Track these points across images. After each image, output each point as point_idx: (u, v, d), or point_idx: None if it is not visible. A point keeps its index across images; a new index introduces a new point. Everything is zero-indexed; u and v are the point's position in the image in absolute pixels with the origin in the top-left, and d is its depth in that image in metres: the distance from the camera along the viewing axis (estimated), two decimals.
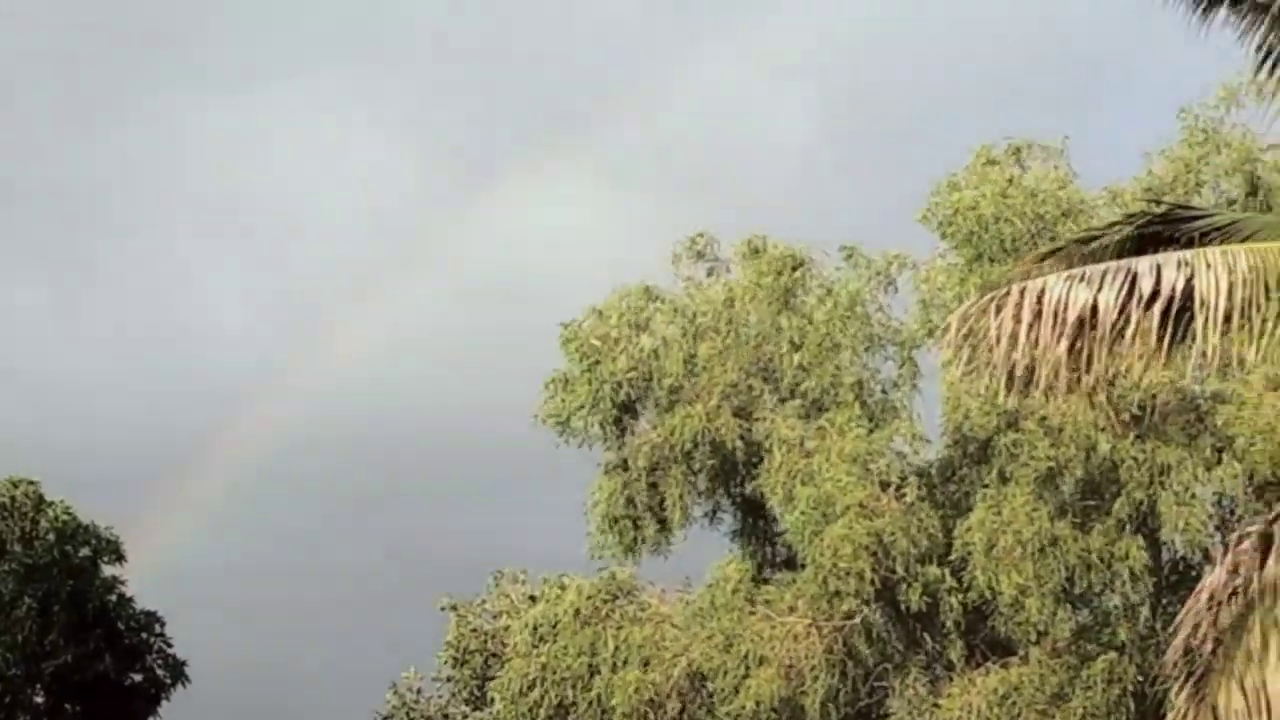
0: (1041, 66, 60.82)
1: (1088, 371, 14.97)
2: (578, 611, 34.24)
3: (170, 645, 39.22)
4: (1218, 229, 15.34)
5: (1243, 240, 15.04)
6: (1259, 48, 16.04)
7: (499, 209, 56.70)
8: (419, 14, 68.60)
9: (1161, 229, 15.47)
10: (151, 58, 68.24)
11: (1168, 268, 14.61)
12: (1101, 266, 14.82)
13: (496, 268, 56.94)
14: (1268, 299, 14.34)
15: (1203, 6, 16.01)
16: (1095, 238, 15.51)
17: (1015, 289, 14.74)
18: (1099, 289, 14.37)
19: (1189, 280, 14.42)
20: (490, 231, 56.22)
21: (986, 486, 32.38)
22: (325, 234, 67.36)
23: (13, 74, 66.60)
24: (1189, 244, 15.13)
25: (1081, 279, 14.57)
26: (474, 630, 42.80)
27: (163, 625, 39.11)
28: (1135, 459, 31.81)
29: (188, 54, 68.18)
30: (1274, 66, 16.11)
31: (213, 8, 68.75)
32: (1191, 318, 14.57)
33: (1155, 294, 14.34)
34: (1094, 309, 14.34)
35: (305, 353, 55.24)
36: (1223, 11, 16.00)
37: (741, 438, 33.02)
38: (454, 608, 43.22)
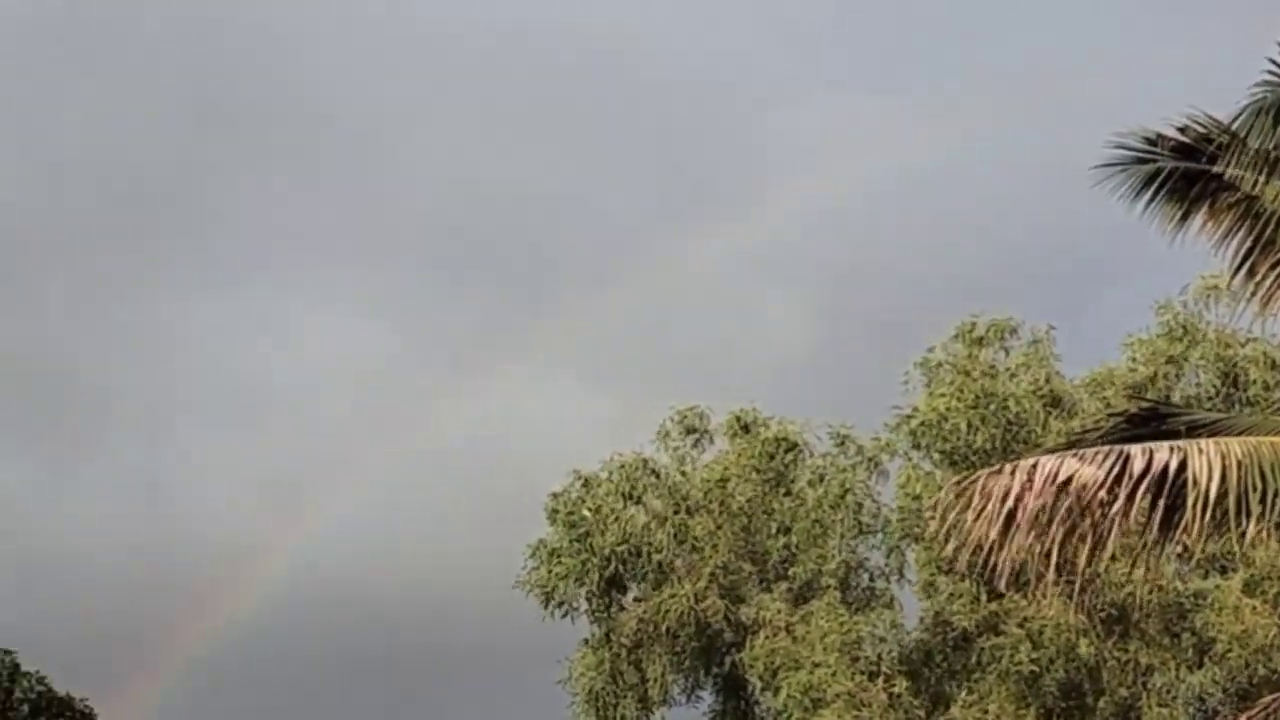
0: (1025, 262, 61.65)
1: (1080, 556, 15.13)
2: None
3: None
4: (1205, 425, 15.58)
5: (1234, 434, 15.31)
6: (1236, 251, 16.49)
7: (487, 396, 57.21)
8: (412, 206, 69.80)
9: (1147, 426, 15.70)
10: (154, 250, 69.53)
11: (1160, 451, 14.83)
12: (1094, 449, 15.05)
13: (482, 452, 57.30)
14: (1262, 483, 14.50)
15: (1180, 214, 16.48)
16: (1080, 439, 15.75)
17: (1008, 466, 14.94)
18: (1090, 464, 14.58)
19: (1182, 462, 14.62)
20: (477, 417, 56.68)
21: (969, 678, 32.43)
22: (316, 418, 67.93)
23: (22, 260, 67.93)
24: (1176, 436, 15.35)
25: (1074, 456, 14.81)
26: None
27: None
28: (1117, 659, 32.00)
29: (190, 247, 69.55)
30: (1251, 269, 16.55)
31: (217, 203, 70.08)
32: (1181, 506, 14.70)
33: (1146, 472, 14.53)
34: (1085, 484, 14.51)
35: (289, 532, 55.41)
36: (1199, 219, 16.47)
37: (727, 618, 33.17)
38: None
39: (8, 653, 36.87)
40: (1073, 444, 15.67)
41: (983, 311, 34.47)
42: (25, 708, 36.42)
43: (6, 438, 66.50)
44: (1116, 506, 14.53)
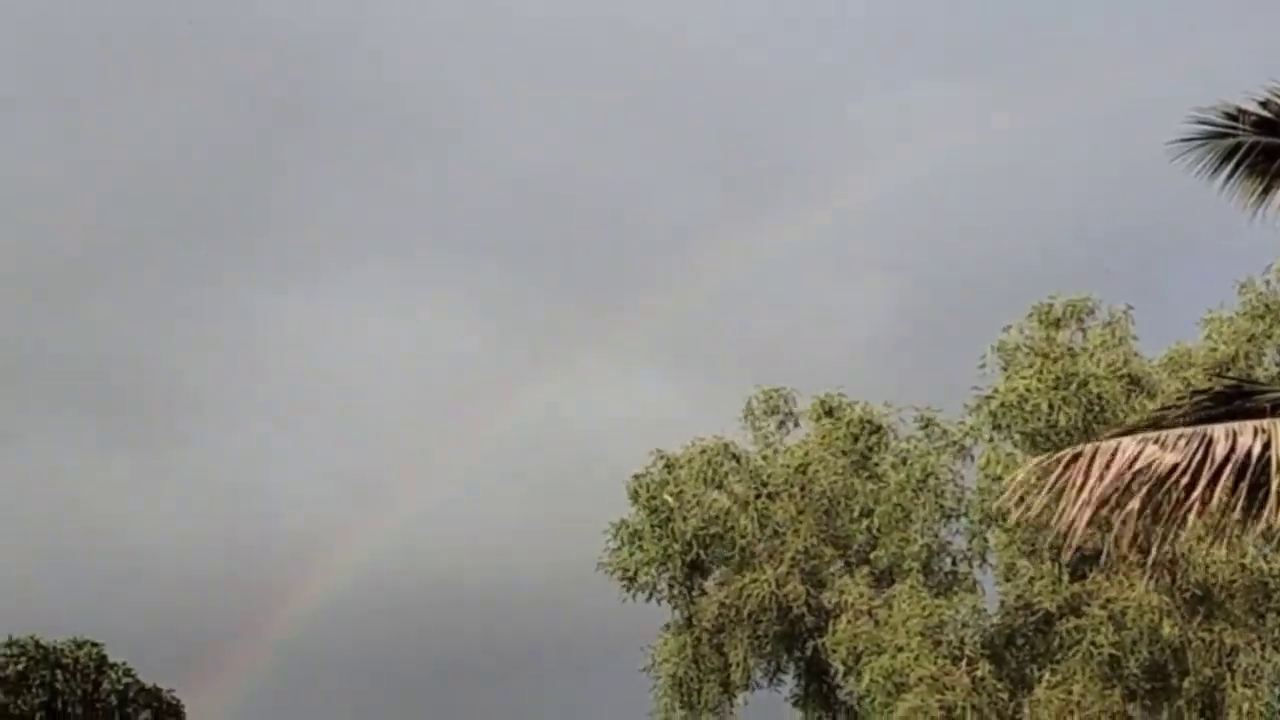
0: (1107, 245, 61.42)
1: (1158, 537, 15.02)
2: None
3: None
4: None
5: None
6: None
7: (564, 388, 57.43)
8: (486, 200, 70.13)
9: (1230, 404, 15.52)
10: (234, 249, 70.24)
11: (1244, 434, 14.59)
12: (1176, 431, 14.86)
13: (559, 443, 57.57)
14: None
15: (1261, 189, 16.24)
16: (1160, 419, 15.60)
17: (1089, 448, 14.79)
18: (1172, 449, 14.42)
19: (1265, 446, 14.43)
20: (554, 409, 56.93)
21: (1053, 659, 32.33)
22: (394, 413, 68.38)
23: (103, 266, 68.79)
24: (1261, 414, 15.16)
25: (1156, 441, 14.63)
26: None
27: None
28: (1202, 640, 31.85)
29: (268, 246, 70.23)
30: None
31: (295, 201, 70.68)
32: (1265, 485, 14.53)
33: (1229, 457, 14.35)
34: (1167, 469, 14.36)
35: (369, 525, 55.76)
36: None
37: (809, 603, 33.17)
38: None
39: (95, 645, 37.20)
40: (1154, 422, 15.49)
41: (1060, 292, 34.39)
42: (113, 698, 36.70)
43: (94, 437, 67.44)
44: (1197, 493, 14.36)
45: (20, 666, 36.11)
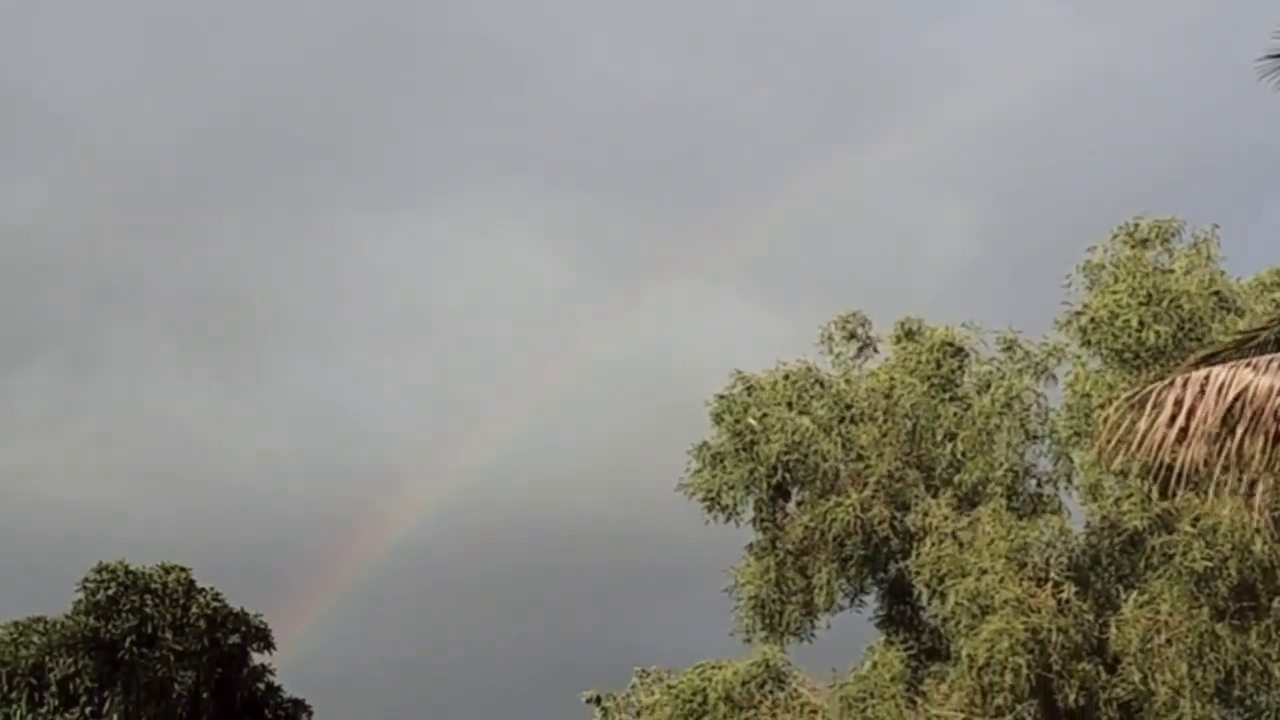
0: (1193, 166, 60.87)
1: (1249, 459, 14.83)
2: (729, 695, 33.95)
3: None
4: None
5: None
6: None
7: (651, 313, 57.48)
8: (574, 126, 70.16)
9: None
10: (326, 176, 70.54)
11: None
12: (1267, 356, 14.67)
13: (647, 369, 57.65)
14: None
15: None
16: (1252, 337, 15.39)
17: (1179, 377, 14.61)
18: (1265, 372, 14.23)
19: None
20: (642, 334, 57.01)
21: (1140, 579, 32.13)
22: (483, 339, 68.74)
23: (196, 194, 69.24)
24: None
25: (1247, 365, 14.45)
26: None
27: (310, 715, 38.91)
28: None
29: (357, 173, 70.51)
30: None
31: (382, 128, 70.91)
32: None
33: None
34: (1264, 393, 14.14)
35: (458, 450, 56.03)
36: None
37: (893, 526, 33.03)
38: (598, 699, 42.94)
39: (183, 569, 37.43)
40: (1244, 341, 15.31)
41: (1146, 213, 34.02)
42: (202, 623, 36.91)
43: (184, 364, 68.10)
44: None
45: (110, 592, 36.40)
